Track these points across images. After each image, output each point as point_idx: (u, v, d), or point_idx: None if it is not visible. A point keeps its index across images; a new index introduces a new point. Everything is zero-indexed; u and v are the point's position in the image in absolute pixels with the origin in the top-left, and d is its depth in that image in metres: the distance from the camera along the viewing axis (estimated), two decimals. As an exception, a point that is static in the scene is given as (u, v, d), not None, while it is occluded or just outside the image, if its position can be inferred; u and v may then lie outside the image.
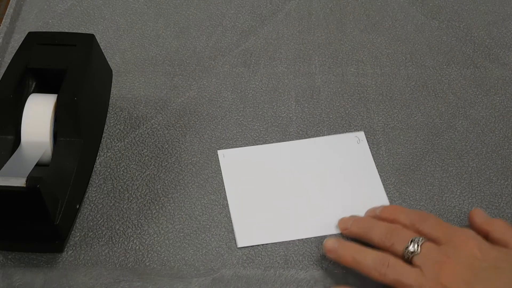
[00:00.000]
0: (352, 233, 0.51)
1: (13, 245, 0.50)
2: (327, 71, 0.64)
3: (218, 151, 0.56)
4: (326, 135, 0.59)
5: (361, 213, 0.53)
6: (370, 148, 0.58)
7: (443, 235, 0.46)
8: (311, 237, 0.52)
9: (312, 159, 0.57)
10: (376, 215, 0.51)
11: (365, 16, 0.70)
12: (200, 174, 0.56)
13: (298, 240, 0.52)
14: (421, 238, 0.46)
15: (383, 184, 0.55)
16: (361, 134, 0.59)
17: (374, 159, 0.57)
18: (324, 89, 0.63)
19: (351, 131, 0.59)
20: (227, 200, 0.54)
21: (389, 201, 0.54)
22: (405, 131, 0.59)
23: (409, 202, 0.54)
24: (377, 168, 0.56)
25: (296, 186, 0.55)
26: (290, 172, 0.56)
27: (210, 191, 0.55)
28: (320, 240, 0.52)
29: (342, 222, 0.52)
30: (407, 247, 0.46)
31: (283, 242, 0.52)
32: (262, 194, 0.55)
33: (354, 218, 0.52)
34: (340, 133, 0.59)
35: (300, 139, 0.58)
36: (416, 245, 0.46)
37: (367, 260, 0.47)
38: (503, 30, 0.68)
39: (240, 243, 0.51)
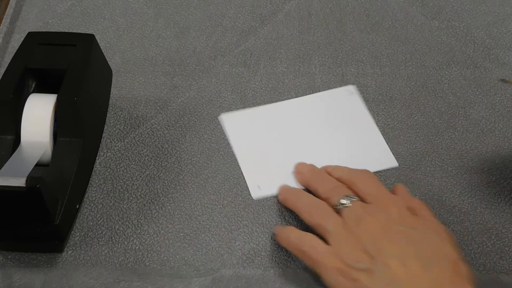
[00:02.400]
0: (304, 179, 0.55)
1: (13, 245, 0.50)
2: (327, 71, 0.64)
3: (221, 115, 0.59)
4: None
5: (361, 163, 0.55)
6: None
7: (374, 195, 0.50)
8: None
9: (310, 114, 0.60)
10: (328, 172, 0.54)
11: (365, 16, 0.70)
12: (200, 174, 0.56)
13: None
14: (354, 196, 0.50)
15: (383, 135, 0.58)
16: (352, 87, 0.62)
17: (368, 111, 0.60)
18: (324, 89, 0.63)
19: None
20: (227, 200, 0.54)
21: (390, 148, 0.57)
22: (405, 131, 0.59)
23: (409, 202, 0.54)
24: (373, 118, 0.59)
25: (298, 140, 0.58)
26: (290, 128, 0.59)
27: (210, 191, 0.55)
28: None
29: (300, 166, 0.55)
30: (340, 199, 0.49)
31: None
32: (267, 150, 0.57)
33: (311, 167, 0.55)
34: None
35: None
36: (348, 200, 0.49)
37: (304, 202, 0.51)
38: (503, 30, 0.68)
39: (255, 195, 0.54)
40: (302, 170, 0.55)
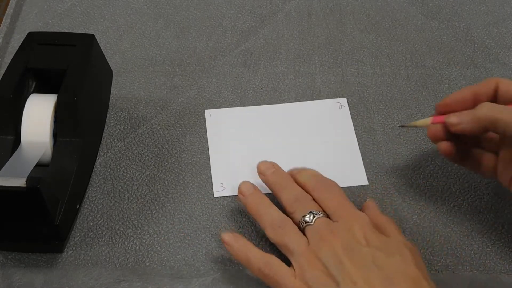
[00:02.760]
0: (267, 182, 0.52)
1: (13, 245, 0.50)
2: (327, 71, 0.64)
3: (205, 110, 0.59)
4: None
5: (335, 175, 0.53)
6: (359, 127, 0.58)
7: (339, 213, 0.48)
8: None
9: (293, 122, 0.60)
10: (293, 175, 0.52)
11: (365, 16, 0.70)
12: (200, 174, 0.56)
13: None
14: (319, 212, 0.48)
15: (361, 152, 0.58)
16: (343, 100, 0.61)
17: (355, 127, 0.59)
18: (324, 89, 0.63)
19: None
20: (227, 200, 0.54)
21: (364, 166, 0.56)
22: (405, 131, 0.59)
23: (409, 202, 0.54)
24: (356, 134, 0.59)
25: (273, 146, 0.58)
26: (269, 132, 0.59)
27: (210, 191, 0.55)
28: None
29: (263, 165, 0.53)
30: (304, 216, 0.48)
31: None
32: (240, 151, 0.57)
33: (275, 168, 0.52)
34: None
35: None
36: (312, 217, 0.48)
37: (268, 216, 0.49)
38: (503, 30, 0.68)
39: (216, 193, 0.54)
40: (265, 172, 0.52)
